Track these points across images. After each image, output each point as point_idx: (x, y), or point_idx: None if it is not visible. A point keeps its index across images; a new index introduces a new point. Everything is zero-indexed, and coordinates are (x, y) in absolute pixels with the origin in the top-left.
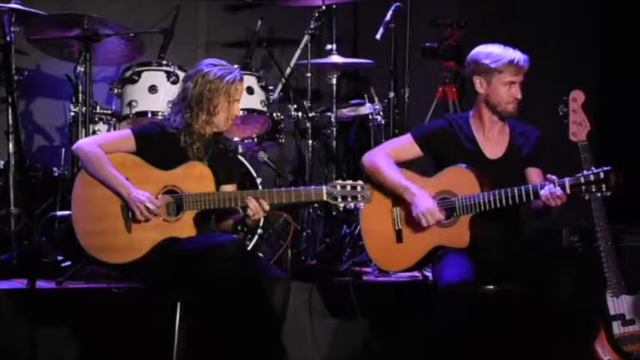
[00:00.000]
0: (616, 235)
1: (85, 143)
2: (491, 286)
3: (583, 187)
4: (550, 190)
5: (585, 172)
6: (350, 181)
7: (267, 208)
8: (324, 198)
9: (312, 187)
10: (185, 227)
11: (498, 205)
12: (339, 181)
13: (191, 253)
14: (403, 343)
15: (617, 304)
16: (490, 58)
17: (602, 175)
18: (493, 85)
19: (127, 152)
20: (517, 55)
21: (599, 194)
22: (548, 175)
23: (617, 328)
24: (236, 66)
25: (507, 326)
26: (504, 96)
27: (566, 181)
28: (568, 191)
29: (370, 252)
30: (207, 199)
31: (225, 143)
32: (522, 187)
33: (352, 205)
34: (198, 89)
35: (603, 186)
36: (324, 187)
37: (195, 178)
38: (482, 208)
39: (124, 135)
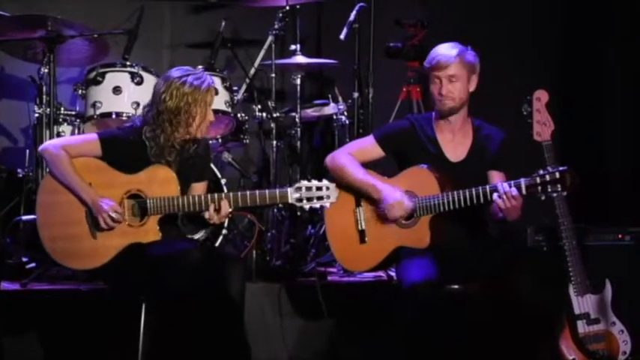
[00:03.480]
0: (580, 234)
1: (51, 145)
2: (455, 286)
3: (539, 188)
4: (504, 190)
5: (541, 172)
6: (315, 182)
7: (228, 213)
8: (290, 200)
9: (277, 189)
10: (150, 232)
11: (457, 206)
12: (305, 182)
13: (155, 260)
14: (369, 342)
15: (582, 303)
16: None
17: (557, 175)
18: (430, 84)
19: (93, 156)
20: (440, 51)
21: (554, 194)
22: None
23: (581, 326)
24: (200, 67)
25: (472, 325)
26: (433, 93)
27: (522, 181)
28: (524, 192)
29: (335, 252)
30: (171, 203)
31: (196, 147)
32: (480, 188)
33: (318, 205)
34: (175, 102)
35: (559, 186)
36: (289, 190)
37: (160, 181)
38: (441, 209)
39: (90, 139)
